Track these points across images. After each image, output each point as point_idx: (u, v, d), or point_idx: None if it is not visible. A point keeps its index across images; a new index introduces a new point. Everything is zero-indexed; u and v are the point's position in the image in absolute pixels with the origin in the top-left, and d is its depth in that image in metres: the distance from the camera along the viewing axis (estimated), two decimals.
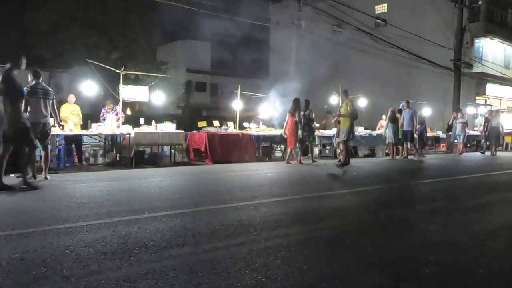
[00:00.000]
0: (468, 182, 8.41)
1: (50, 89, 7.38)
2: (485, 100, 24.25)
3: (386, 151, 13.93)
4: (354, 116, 10.50)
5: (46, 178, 7.14)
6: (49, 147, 7.51)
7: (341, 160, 10.60)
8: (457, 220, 4.81)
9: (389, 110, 13.40)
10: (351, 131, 10.47)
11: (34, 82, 7.08)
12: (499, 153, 16.39)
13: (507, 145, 19.93)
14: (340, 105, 11.06)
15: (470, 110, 20.68)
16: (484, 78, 23.35)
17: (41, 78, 7.24)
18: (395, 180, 8.72)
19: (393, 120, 13.05)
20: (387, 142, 13.34)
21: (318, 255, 3.29)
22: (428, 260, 3.21)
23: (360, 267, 3.04)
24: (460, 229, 4.33)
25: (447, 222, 4.66)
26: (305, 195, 6.14)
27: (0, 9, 25.84)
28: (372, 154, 14.01)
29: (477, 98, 23.58)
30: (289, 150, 11.12)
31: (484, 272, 3.03)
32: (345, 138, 10.36)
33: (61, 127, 7.86)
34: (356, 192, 6.67)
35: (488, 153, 15.94)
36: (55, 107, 7.40)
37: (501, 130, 16.80)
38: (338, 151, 11.95)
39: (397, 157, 13.22)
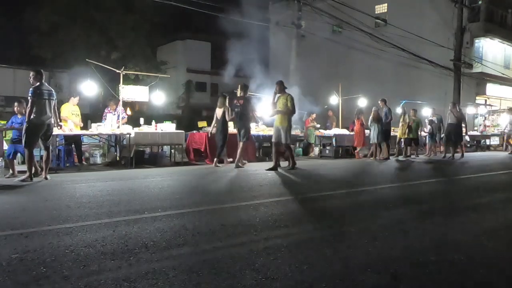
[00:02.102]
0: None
1: (52, 89, 7.40)
2: (485, 100, 24.27)
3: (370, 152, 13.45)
4: (294, 114, 9.31)
5: (46, 178, 7.14)
6: (50, 147, 7.51)
7: (273, 164, 9.17)
8: (457, 220, 4.81)
9: (373, 109, 13.05)
10: (290, 131, 9.23)
11: (38, 83, 7.07)
12: (467, 156, 14.40)
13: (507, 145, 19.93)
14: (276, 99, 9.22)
15: (470, 110, 20.68)
16: (484, 78, 23.35)
17: (44, 78, 7.24)
18: (394, 180, 8.72)
19: (377, 120, 12.76)
20: (370, 142, 12.99)
21: (318, 255, 3.29)
22: (428, 260, 3.21)
23: (360, 267, 3.04)
24: (460, 229, 4.33)
25: (447, 222, 4.66)
26: (305, 195, 6.14)
27: (0, 9, 25.85)
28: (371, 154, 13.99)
29: (477, 98, 23.59)
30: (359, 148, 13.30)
31: (484, 272, 3.03)
32: (287, 141, 9.09)
33: (59, 127, 7.87)
34: (356, 192, 6.67)
35: (448, 155, 13.73)
36: (56, 107, 7.42)
37: (463, 128, 14.14)
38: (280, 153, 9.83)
39: (379, 158, 12.82)
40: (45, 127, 7.05)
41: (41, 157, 7.54)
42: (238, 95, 10.22)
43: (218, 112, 10.07)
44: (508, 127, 17.04)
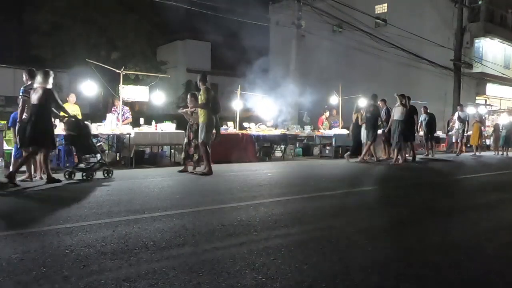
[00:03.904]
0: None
1: None
2: (485, 100, 24.26)
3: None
4: (212, 109, 8.19)
5: (41, 178, 7.11)
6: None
7: (196, 168, 8.44)
8: (457, 220, 4.81)
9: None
10: (209, 128, 8.13)
11: (29, 82, 6.98)
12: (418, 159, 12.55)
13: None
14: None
15: (470, 110, 20.64)
16: (484, 78, 23.34)
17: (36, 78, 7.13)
18: (393, 181, 8.72)
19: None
20: (362, 141, 12.57)
21: (318, 255, 3.29)
22: (428, 260, 3.22)
23: (360, 267, 3.04)
24: (460, 229, 4.33)
25: (447, 222, 4.66)
26: (305, 195, 6.14)
27: (0, 9, 25.85)
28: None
29: (477, 98, 23.57)
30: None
31: (484, 272, 3.03)
32: (203, 139, 8.07)
33: (54, 127, 7.83)
34: (356, 192, 6.67)
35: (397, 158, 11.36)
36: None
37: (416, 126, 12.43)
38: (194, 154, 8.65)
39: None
40: None
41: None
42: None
43: (353, 117, 12.16)
44: (457, 125, 15.78)
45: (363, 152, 11.66)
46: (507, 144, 16.51)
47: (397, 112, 11.41)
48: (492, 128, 17.85)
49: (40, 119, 6.61)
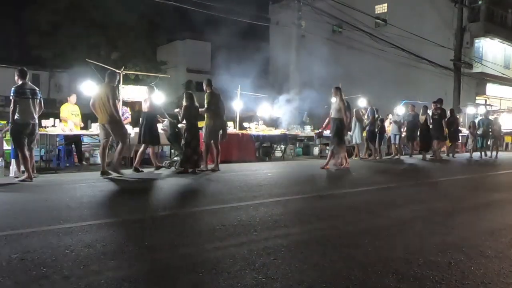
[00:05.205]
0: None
1: (37, 88, 7.26)
2: (485, 100, 24.25)
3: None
4: (214, 113, 8.78)
5: (34, 176, 7.11)
6: (34, 147, 7.36)
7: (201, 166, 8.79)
8: (457, 220, 4.81)
9: (354, 110, 12.29)
10: (210, 131, 8.76)
11: (21, 82, 6.92)
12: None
13: (507, 145, 19.78)
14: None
15: (470, 110, 20.66)
16: (484, 78, 23.35)
17: (27, 77, 7.04)
18: (393, 181, 8.72)
19: (359, 120, 12.37)
20: (353, 142, 12.64)
21: (318, 255, 3.29)
22: (428, 260, 3.21)
23: (360, 267, 3.04)
24: (460, 229, 4.33)
25: (446, 222, 4.66)
26: (305, 195, 6.14)
27: (0, 9, 25.87)
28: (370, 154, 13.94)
29: (477, 98, 23.58)
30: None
31: (484, 272, 3.03)
32: (204, 140, 8.82)
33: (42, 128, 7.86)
34: (356, 192, 6.67)
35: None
36: (41, 106, 7.29)
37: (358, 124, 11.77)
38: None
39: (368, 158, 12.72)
40: (30, 127, 6.90)
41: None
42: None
43: (421, 118, 13.50)
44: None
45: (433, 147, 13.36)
46: (484, 146, 15.13)
47: (334, 110, 9.71)
48: (468, 126, 16.45)
49: (151, 122, 8.62)
